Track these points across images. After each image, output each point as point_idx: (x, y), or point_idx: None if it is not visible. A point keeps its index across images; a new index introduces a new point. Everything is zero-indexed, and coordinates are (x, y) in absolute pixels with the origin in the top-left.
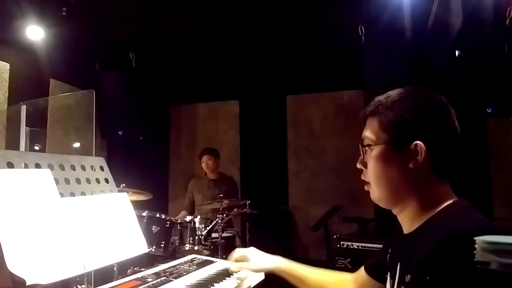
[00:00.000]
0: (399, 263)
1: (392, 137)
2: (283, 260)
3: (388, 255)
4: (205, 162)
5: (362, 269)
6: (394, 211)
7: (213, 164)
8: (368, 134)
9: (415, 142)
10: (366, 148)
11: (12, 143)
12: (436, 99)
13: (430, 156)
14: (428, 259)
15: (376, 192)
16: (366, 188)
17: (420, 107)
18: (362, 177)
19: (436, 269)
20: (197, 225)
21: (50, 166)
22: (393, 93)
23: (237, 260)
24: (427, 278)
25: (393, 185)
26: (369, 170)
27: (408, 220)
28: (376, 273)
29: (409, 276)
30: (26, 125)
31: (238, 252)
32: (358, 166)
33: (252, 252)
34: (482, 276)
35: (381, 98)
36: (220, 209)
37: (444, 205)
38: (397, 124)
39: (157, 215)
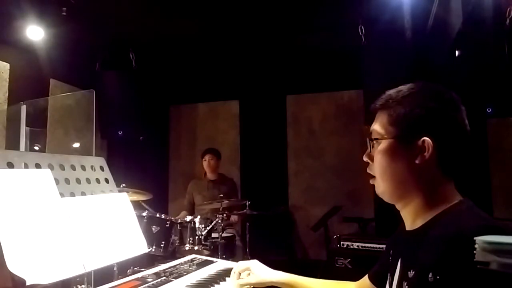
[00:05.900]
0: (400, 259)
1: (400, 132)
2: (285, 274)
3: (390, 257)
4: (208, 161)
5: (366, 277)
6: (398, 206)
7: (215, 164)
8: (377, 127)
9: (422, 138)
10: (374, 141)
11: (12, 143)
12: (446, 95)
13: (437, 153)
14: (439, 258)
15: (381, 186)
16: (371, 181)
17: (430, 103)
18: (368, 171)
19: (447, 269)
20: (197, 225)
21: (50, 166)
22: (404, 87)
23: (240, 273)
24: (438, 277)
25: (398, 180)
26: (375, 163)
27: (411, 216)
28: (381, 281)
29: (413, 272)
30: (26, 125)
31: (242, 265)
32: (365, 159)
33: (255, 265)
34: (491, 277)
35: (391, 92)
36: (220, 209)
37: (451, 203)
38: (406, 119)
39: (157, 215)
